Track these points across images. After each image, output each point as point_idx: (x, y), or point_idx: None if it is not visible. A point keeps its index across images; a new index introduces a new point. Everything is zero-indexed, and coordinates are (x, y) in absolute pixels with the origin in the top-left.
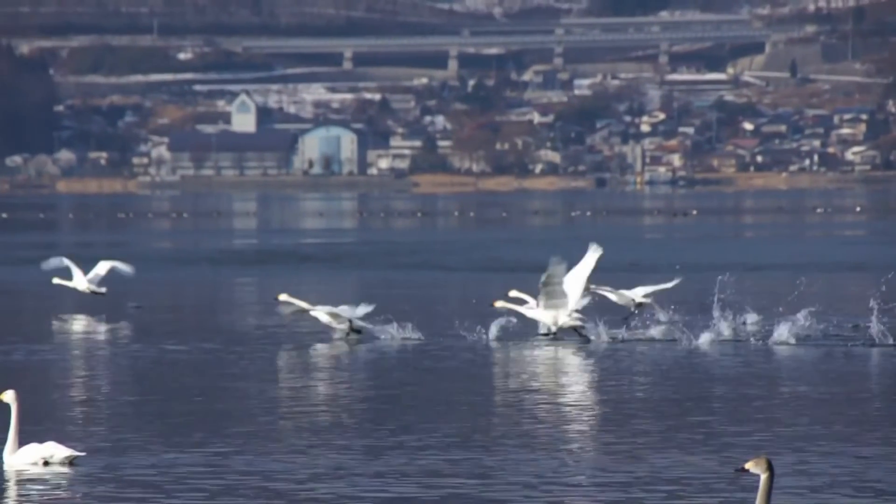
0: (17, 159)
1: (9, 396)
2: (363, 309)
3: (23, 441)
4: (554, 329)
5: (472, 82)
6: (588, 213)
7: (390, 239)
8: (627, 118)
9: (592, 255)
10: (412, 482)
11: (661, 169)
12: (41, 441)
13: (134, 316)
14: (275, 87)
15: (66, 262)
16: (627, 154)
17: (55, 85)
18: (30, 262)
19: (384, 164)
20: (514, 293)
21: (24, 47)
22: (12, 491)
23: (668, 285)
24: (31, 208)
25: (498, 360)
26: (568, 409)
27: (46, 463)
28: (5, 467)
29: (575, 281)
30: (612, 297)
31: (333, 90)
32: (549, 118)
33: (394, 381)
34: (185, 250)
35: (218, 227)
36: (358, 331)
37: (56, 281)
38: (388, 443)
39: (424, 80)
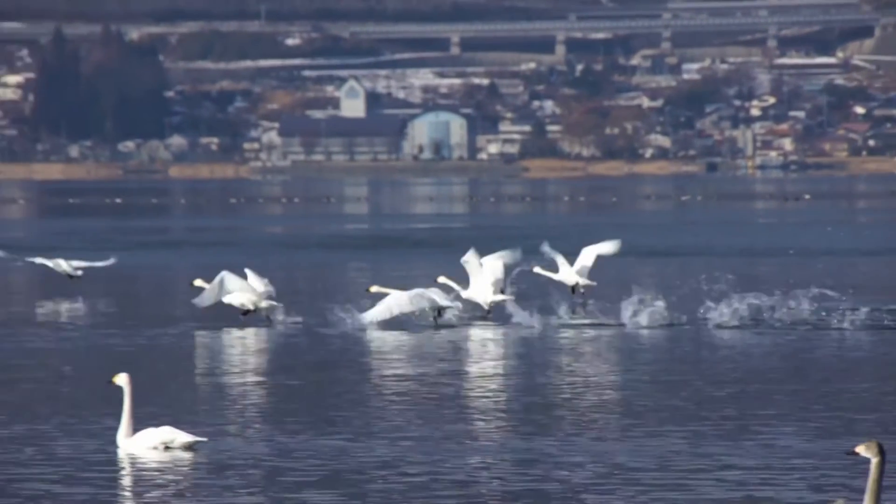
0: (129, 145)
1: (122, 379)
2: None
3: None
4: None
5: (580, 67)
6: (699, 198)
7: (501, 224)
8: (737, 102)
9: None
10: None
11: (773, 153)
12: (155, 425)
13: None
14: (383, 72)
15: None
16: (738, 138)
17: (165, 71)
18: (145, 248)
19: (494, 149)
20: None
21: (135, 33)
22: (134, 475)
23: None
24: (144, 193)
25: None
26: (680, 392)
27: (167, 448)
28: (120, 452)
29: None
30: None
31: (442, 75)
32: (659, 103)
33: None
34: (296, 235)
35: (329, 212)
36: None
37: (39, 260)
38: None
39: (532, 65)
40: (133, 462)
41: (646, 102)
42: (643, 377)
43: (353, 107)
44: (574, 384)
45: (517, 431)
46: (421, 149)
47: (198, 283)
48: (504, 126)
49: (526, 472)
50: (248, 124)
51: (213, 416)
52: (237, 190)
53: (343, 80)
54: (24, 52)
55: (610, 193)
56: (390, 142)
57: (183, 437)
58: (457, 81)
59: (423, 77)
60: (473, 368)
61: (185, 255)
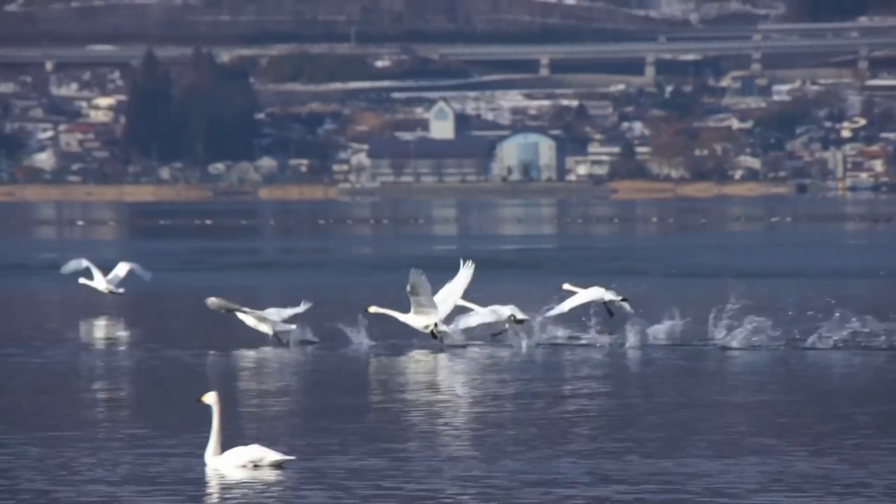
0: (219, 167)
1: (210, 398)
2: (291, 311)
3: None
4: (427, 332)
5: (669, 88)
6: (788, 220)
7: (590, 245)
8: (828, 124)
9: (467, 271)
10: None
11: (863, 175)
12: (243, 444)
13: (331, 320)
14: (472, 93)
15: (86, 263)
16: (828, 160)
17: (255, 93)
18: (235, 269)
19: (583, 170)
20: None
21: (225, 56)
22: (222, 493)
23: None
24: (234, 215)
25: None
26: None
27: (256, 466)
28: (208, 470)
29: (450, 293)
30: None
31: (531, 97)
32: (748, 124)
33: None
34: (385, 256)
35: (418, 234)
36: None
37: (81, 281)
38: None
39: (621, 87)
40: (221, 480)
41: (735, 124)
42: (736, 398)
43: (442, 128)
44: (665, 404)
45: (610, 451)
46: (510, 170)
47: (211, 300)
48: (593, 147)
49: (624, 490)
50: (338, 146)
51: (300, 436)
52: (326, 211)
53: (432, 102)
54: (116, 75)
55: (699, 215)
56: (479, 163)
57: (271, 456)
58: (546, 103)
59: (511, 99)
60: (565, 388)
61: (274, 276)
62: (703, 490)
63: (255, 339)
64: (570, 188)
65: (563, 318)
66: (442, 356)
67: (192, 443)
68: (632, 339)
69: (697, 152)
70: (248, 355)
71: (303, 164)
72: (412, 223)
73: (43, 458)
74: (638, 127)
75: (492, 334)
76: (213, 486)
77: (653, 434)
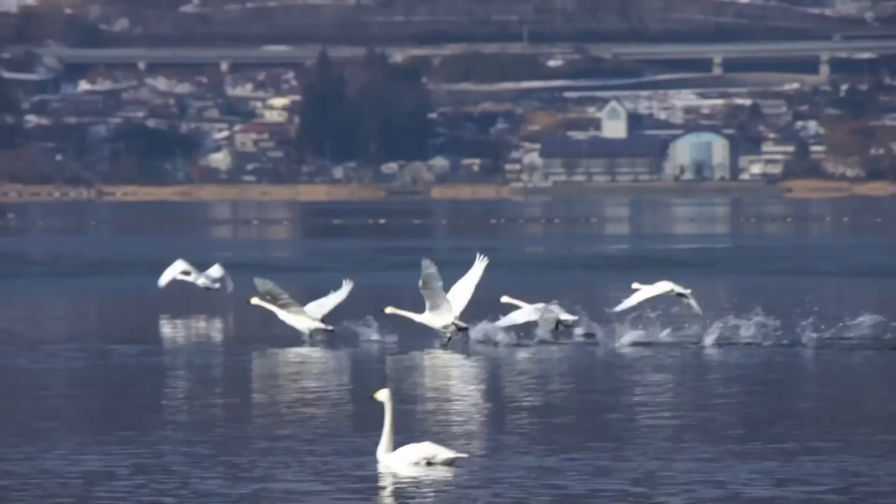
0: (392, 166)
1: (383, 395)
2: (333, 300)
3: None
4: (446, 332)
5: (844, 87)
6: None
7: (764, 244)
8: None
9: (480, 265)
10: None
11: None
12: (414, 441)
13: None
14: (645, 93)
15: (181, 266)
16: None
17: (428, 92)
18: (406, 268)
19: (756, 169)
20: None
21: (398, 56)
22: (395, 490)
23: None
24: (407, 214)
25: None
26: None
27: (428, 463)
28: (381, 466)
29: (463, 288)
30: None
31: (703, 96)
32: None
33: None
34: (557, 255)
35: (589, 233)
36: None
37: (179, 276)
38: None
39: (796, 86)
40: (394, 477)
41: None
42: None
43: (614, 128)
44: (839, 406)
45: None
46: (682, 169)
47: (255, 301)
48: (767, 146)
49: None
50: (510, 145)
51: (473, 434)
52: (498, 211)
53: (604, 101)
54: (290, 75)
55: (874, 214)
56: (652, 162)
57: (444, 453)
58: (719, 102)
59: (684, 98)
60: (738, 389)
61: (444, 275)
62: (877, 492)
63: (428, 338)
64: (744, 187)
65: (722, 319)
66: (625, 353)
67: (364, 439)
68: (807, 338)
69: (873, 151)
70: (418, 353)
71: (475, 163)
72: (584, 222)
73: (214, 457)
74: (812, 126)
75: (550, 332)
76: (385, 483)
77: (824, 436)
